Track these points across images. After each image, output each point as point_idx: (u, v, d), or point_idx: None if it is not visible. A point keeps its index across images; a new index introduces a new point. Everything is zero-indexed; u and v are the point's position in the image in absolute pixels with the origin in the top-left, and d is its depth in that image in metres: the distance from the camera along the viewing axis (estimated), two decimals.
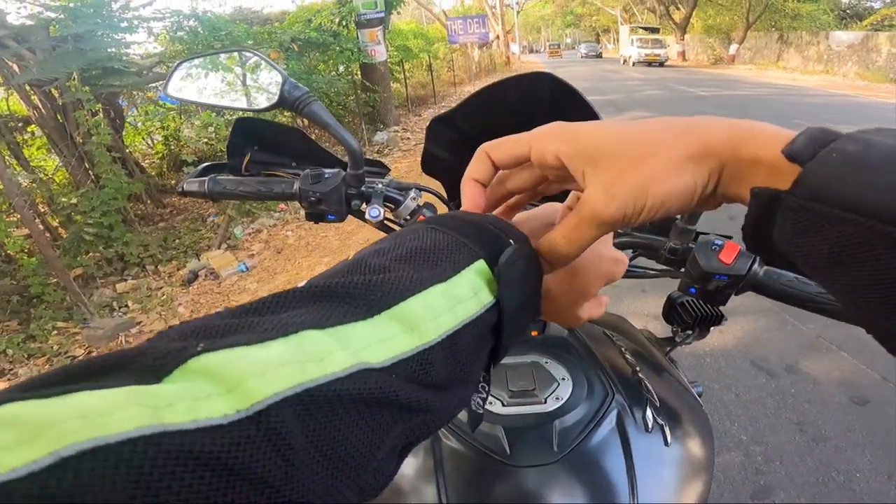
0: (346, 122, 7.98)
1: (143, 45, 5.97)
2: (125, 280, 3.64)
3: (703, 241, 0.56)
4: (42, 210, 4.02)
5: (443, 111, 0.77)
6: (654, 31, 28.53)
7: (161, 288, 3.52)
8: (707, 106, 9.51)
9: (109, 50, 4.55)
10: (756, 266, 0.53)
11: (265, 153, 0.83)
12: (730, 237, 0.65)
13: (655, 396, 0.58)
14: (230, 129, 0.82)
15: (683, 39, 28.28)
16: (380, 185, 0.71)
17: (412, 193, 0.72)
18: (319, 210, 0.68)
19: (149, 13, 5.08)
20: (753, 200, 0.26)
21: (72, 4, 4.42)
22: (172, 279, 3.65)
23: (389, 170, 0.85)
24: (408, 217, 0.72)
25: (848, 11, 23.93)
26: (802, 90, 12.56)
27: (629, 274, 0.70)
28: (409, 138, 7.94)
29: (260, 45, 5.66)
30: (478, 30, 16.38)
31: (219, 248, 3.98)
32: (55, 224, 4.06)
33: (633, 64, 23.99)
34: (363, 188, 0.70)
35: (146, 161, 5.85)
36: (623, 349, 0.66)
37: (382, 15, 7.92)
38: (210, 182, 0.75)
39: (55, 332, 3.03)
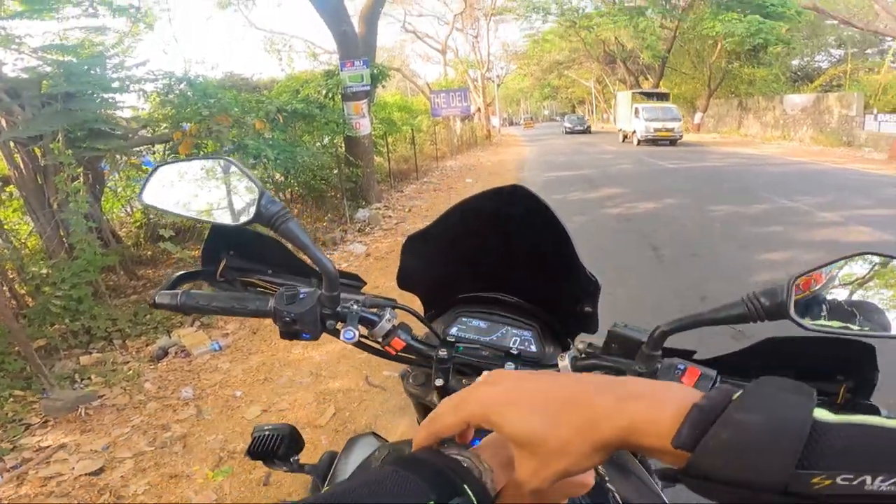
0: (329, 196, 7.93)
1: (132, 108, 5.90)
2: (90, 353, 3.50)
3: (667, 366, 0.59)
4: (11, 277, 3.88)
5: (419, 228, 0.79)
6: (663, 97, 23.08)
7: (128, 363, 3.39)
8: (678, 178, 9.94)
9: (98, 111, 4.49)
10: (716, 386, 0.55)
11: (241, 259, 0.83)
12: (693, 353, 0.67)
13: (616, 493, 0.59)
14: (206, 235, 0.81)
15: None
16: (355, 307, 0.70)
17: (387, 315, 0.72)
18: (293, 329, 0.67)
19: (141, 73, 5.05)
20: (659, 475, 0.32)
21: (67, 59, 4.40)
22: (140, 355, 3.52)
23: (365, 283, 0.85)
24: (382, 338, 0.72)
25: (799, 73, 25.38)
26: (764, 159, 13.31)
27: None
28: (390, 216, 7.93)
29: (247, 112, 5.74)
30: (460, 103, 17.14)
31: (192, 325, 3.86)
32: (23, 292, 3.91)
33: (639, 142, 19.11)
34: (338, 308, 0.69)
35: (123, 230, 5.77)
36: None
37: (368, 88, 8.16)
38: (183, 296, 0.73)
39: (11, 399, 2.90)
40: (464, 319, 0.83)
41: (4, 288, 3.71)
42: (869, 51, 24.25)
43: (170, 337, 3.60)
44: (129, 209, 6.00)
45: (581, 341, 0.70)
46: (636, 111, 19.76)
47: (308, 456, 0.80)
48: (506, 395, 0.36)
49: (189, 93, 5.23)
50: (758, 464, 0.27)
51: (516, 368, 0.70)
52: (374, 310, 0.72)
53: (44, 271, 3.56)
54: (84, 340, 3.58)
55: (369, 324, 0.71)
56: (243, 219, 0.66)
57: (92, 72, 4.45)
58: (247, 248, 0.82)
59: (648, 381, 0.35)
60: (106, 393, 3.02)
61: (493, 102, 34.25)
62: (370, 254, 5.88)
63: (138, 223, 5.70)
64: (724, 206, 7.10)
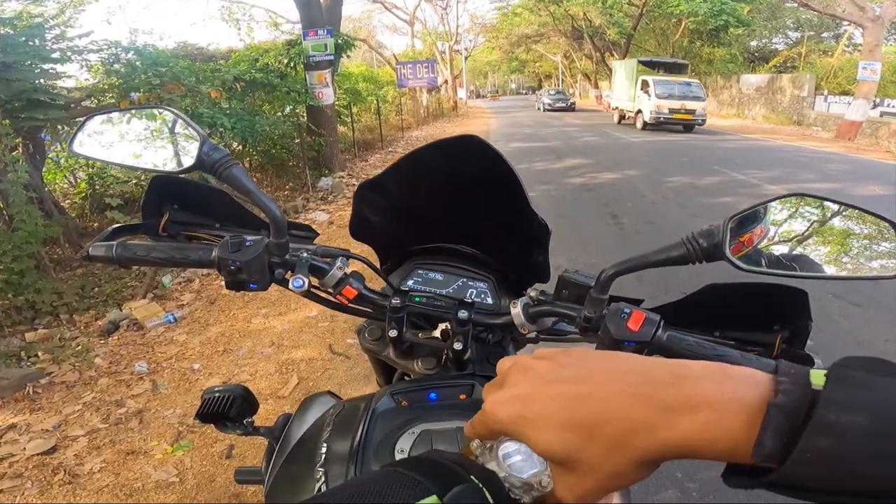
0: (290, 165, 7.79)
1: (75, 77, 5.59)
2: (35, 329, 3.35)
3: (614, 310, 0.60)
4: None
5: (373, 175, 0.77)
6: (678, 68, 18.59)
7: (76, 338, 3.26)
8: (639, 151, 10.19)
9: (37, 81, 4.30)
10: (660, 332, 0.58)
11: (186, 213, 0.80)
12: (640, 301, 0.69)
13: None
14: (146, 187, 0.78)
15: None
16: (305, 254, 0.68)
17: (338, 262, 0.70)
18: (240, 279, 0.65)
19: (85, 43, 4.86)
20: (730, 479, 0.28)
21: (3, 30, 4.18)
22: (90, 329, 3.39)
23: (317, 234, 0.83)
24: (333, 287, 0.70)
25: (756, 54, 25.83)
26: (719, 135, 13.81)
27: (550, 337, 0.73)
28: (354, 184, 7.76)
29: (202, 82, 5.50)
30: (427, 74, 16.83)
31: (144, 297, 3.73)
32: None
33: (645, 125, 14.97)
34: (287, 256, 0.67)
35: (67, 201, 5.48)
36: None
37: (332, 58, 7.96)
38: (119, 247, 0.69)
39: None
40: (420, 272, 0.83)
41: None
42: (825, 34, 24.90)
43: (121, 310, 3.48)
44: (72, 180, 5.70)
45: (534, 289, 0.70)
46: (643, 85, 15.40)
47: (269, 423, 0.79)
48: (531, 411, 0.32)
49: (137, 62, 5.02)
50: (870, 472, 0.23)
51: (470, 316, 0.70)
52: (326, 259, 0.70)
53: None
54: (29, 316, 3.43)
55: (320, 273, 0.69)
56: (184, 164, 0.63)
57: (30, 43, 4.25)
58: (191, 201, 0.79)
59: (695, 369, 0.30)
60: (54, 370, 2.92)
61: (461, 75, 33.75)
62: (333, 221, 5.83)
63: (83, 194, 5.41)
64: (680, 178, 7.35)
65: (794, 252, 0.56)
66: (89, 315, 3.54)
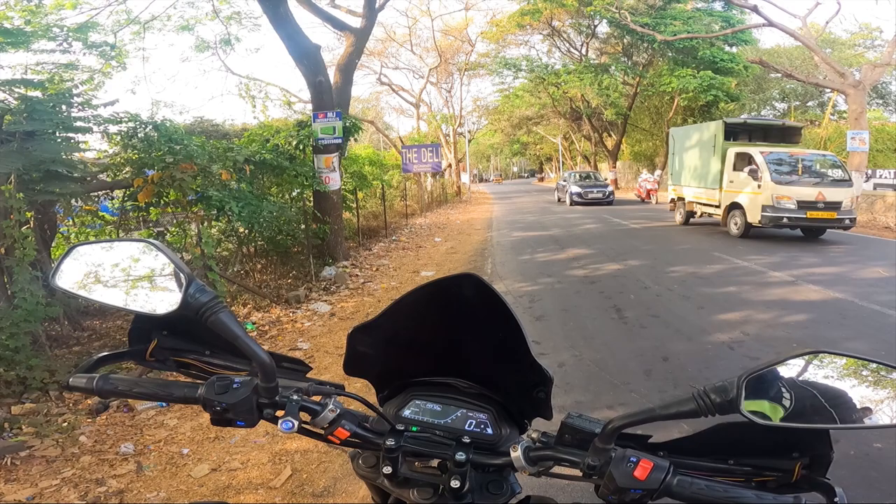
0: (295, 252, 7.74)
1: (98, 151, 5.72)
2: (23, 403, 3.27)
3: (620, 457, 0.59)
4: None
5: (365, 320, 0.78)
6: (790, 133, 12.18)
7: (63, 415, 3.19)
8: (638, 240, 10.28)
9: (58, 153, 4.28)
10: (669, 477, 0.57)
11: (174, 339, 0.78)
12: (648, 437, 0.67)
13: None
14: (133, 314, 0.76)
15: (615, 167, 30.51)
16: (295, 396, 0.67)
17: (331, 405, 0.69)
18: (226, 418, 0.65)
19: (107, 113, 4.90)
20: None
21: (33, 94, 4.25)
22: (78, 407, 3.30)
23: (310, 368, 0.82)
24: (325, 427, 0.69)
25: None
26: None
27: (551, 475, 0.70)
28: (357, 275, 7.81)
29: (215, 161, 5.62)
30: (432, 159, 17.48)
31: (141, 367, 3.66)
32: None
33: (749, 229, 9.88)
34: (277, 398, 0.67)
35: None
36: None
37: (340, 141, 8.07)
38: (100, 380, 0.68)
39: None
40: (417, 402, 0.81)
41: None
42: (810, 103, 26.04)
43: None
44: None
45: (535, 430, 0.70)
46: (741, 161, 10.06)
47: None
48: None
49: (154, 137, 5.08)
50: None
51: (468, 458, 0.68)
52: (317, 398, 0.70)
53: None
54: (18, 390, 3.35)
55: (312, 412, 0.68)
56: (167, 309, 0.63)
57: (56, 109, 4.31)
58: (180, 326, 0.78)
59: None
60: (36, 444, 2.83)
61: (465, 158, 35.12)
62: (335, 314, 5.75)
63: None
64: (682, 267, 7.36)
65: (812, 404, 0.56)
66: (79, 393, 3.44)
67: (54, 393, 3.40)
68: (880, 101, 25.57)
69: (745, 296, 5.66)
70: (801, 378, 0.57)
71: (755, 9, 15.15)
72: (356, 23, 10.02)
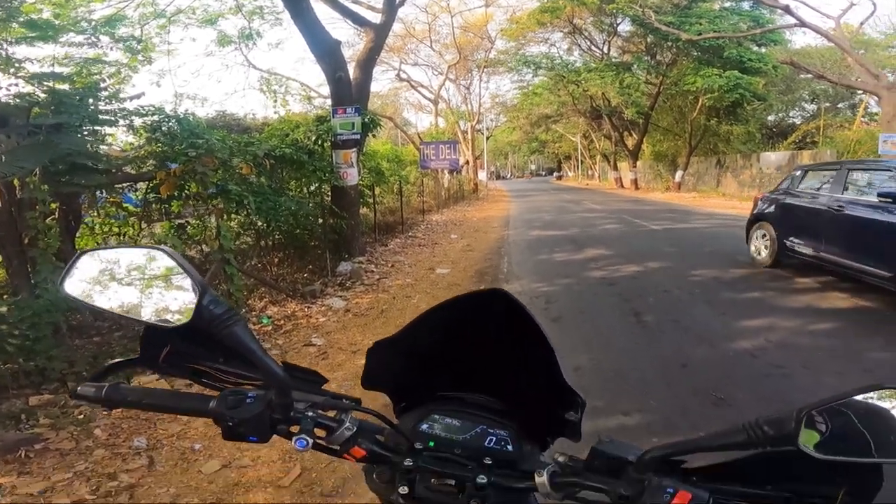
0: (312, 246, 7.78)
1: (124, 143, 5.74)
2: (41, 394, 3.32)
3: (655, 487, 0.55)
4: None
5: (387, 336, 0.74)
6: None
7: (80, 407, 3.21)
8: (659, 241, 10.07)
9: (84, 146, 4.33)
10: None
11: (188, 344, 0.75)
12: (682, 462, 0.61)
13: None
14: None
15: (636, 167, 30.10)
16: (310, 414, 0.65)
17: (347, 422, 0.67)
18: (238, 432, 0.63)
19: (132, 106, 4.97)
20: None
21: (61, 87, 4.31)
22: None
23: (325, 380, 0.78)
24: (340, 445, 0.67)
25: (774, 129, 26.02)
26: (742, 220, 13.47)
27: (574, 501, 0.66)
28: (373, 271, 7.80)
29: (235, 155, 5.66)
30: (449, 155, 17.46)
31: (153, 373, 3.68)
32: None
33: None
34: (292, 413, 0.65)
35: None
36: None
37: (358, 137, 8.11)
38: (110, 389, 0.66)
39: None
40: (436, 416, 0.78)
41: None
42: (841, 104, 25.26)
43: (129, 383, 3.42)
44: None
45: (561, 454, 0.66)
46: None
47: None
48: None
49: (177, 130, 5.13)
50: None
51: (489, 482, 0.65)
52: (333, 414, 0.68)
53: (3, 308, 3.39)
54: (36, 381, 3.41)
55: (327, 429, 0.66)
56: (179, 320, 0.61)
57: (83, 102, 4.37)
58: (196, 332, 0.75)
59: None
60: (51, 436, 2.86)
61: (482, 155, 34.97)
62: (350, 309, 5.75)
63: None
64: (704, 271, 7.16)
65: (872, 436, 0.52)
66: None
67: (72, 384, 3.45)
68: None
69: (769, 302, 5.51)
70: (863, 411, 0.53)
71: (787, 9, 14.77)
72: (376, 18, 10.04)
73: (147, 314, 0.65)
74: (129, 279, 0.67)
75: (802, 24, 14.56)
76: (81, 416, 3.07)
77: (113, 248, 0.70)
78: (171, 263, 0.64)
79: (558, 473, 0.63)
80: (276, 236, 7.21)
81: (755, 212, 7.41)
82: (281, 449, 2.76)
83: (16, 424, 2.95)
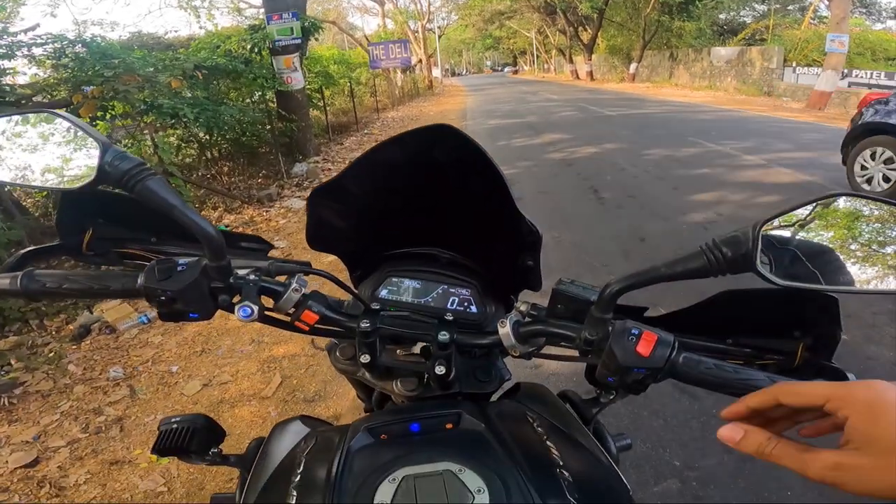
0: (263, 152, 7.68)
1: (25, 73, 5.40)
2: (6, 336, 3.22)
3: (620, 330, 0.52)
4: None
5: (328, 178, 0.67)
6: None
7: (48, 344, 3.15)
8: (615, 126, 10.14)
9: None
10: (675, 354, 0.51)
11: (113, 227, 0.69)
12: (645, 309, 0.62)
13: (571, 478, 0.53)
14: (59, 201, 0.66)
15: (591, 60, 30.14)
16: (252, 276, 0.59)
17: (294, 283, 0.61)
18: (175, 309, 0.56)
19: (29, 38, 4.70)
20: None
21: None
22: (61, 334, 3.27)
23: (272, 247, 0.74)
24: (291, 310, 0.61)
25: (725, 27, 25.81)
26: (694, 107, 13.81)
27: (544, 355, 0.65)
28: (330, 168, 7.77)
29: (160, 71, 5.29)
30: (400, 54, 16.52)
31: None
32: None
33: None
34: (232, 280, 0.58)
35: (28, 200, 5.25)
36: (541, 431, 0.61)
37: (299, 41, 7.77)
38: (24, 278, 0.58)
39: None
40: (394, 279, 0.74)
41: None
42: (790, 7, 25.04)
43: (91, 313, 3.35)
44: None
45: (524, 302, 0.63)
46: None
47: (260, 429, 0.72)
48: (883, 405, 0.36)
49: (86, 56, 4.83)
50: None
51: (452, 338, 0.62)
52: (280, 278, 0.61)
53: None
54: None
55: (273, 295, 0.60)
56: (82, 182, 0.53)
57: None
58: (117, 211, 0.69)
59: None
60: (28, 379, 2.81)
61: (435, 54, 33.17)
62: None
63: (46, 192, 5.21)
64: (658, 150, 7.34)
65: (833, 261, 0.48)
66: (59, 319, 3.41)
67: (34, 322, 3.36)
68: (864, 10, 24.53)
69: (718, 178, 5.72)
70: (817, 228, 0.49)
71: None
72: None
73: (49, 181, 0.58)
74: (25, 147, 0.60)
75: None
76: (52, 354, 3.01)
77: (5, 115, 0.60)
78: (67, 125, 0.57)
79: (521, 323, 0.60)
80: (223, 146, 7.05)
81: (864, 120, 5.05)
82: (258, 360, 2.82)
83: None
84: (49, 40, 4.77)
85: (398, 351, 0.67)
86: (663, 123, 10.34)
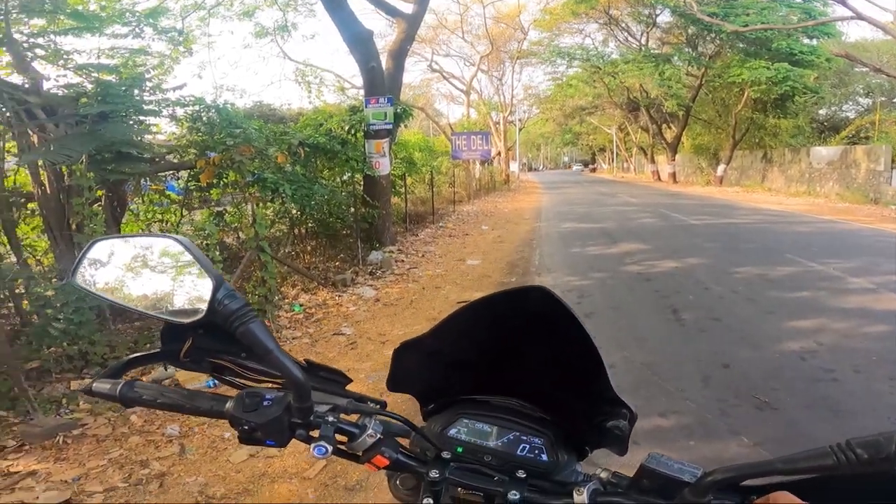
0: (344, 235, 7.89)
1: (162, 131, 5.98)
2: (82, 378, 3.43)
3: None
4: (20, 293, 3.81)
5: (413, 337, 0.69)
6: None
7: None
8: (699, 237, 9.69)
9: (129, 135, 4.47)
10: None
11: (210, 338, 0.70)
12: (755, 489, 0.53)
13: None
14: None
15: (674, 160, 29.23)
16: (331, 419, 0.61)
17: (370, 429, 0.63)
18: (255, 437, 0.60)
19: (174, 97, 5.13)
20: None
21: (108, 78, 4.46)
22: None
23: (350, 380, 0.74)
24: (363, 453, 0.63)
25: (825, 124, 24.59)
26: (790, 216, 12.94)
27: None
28: (403, 260, 7.82)
29: (271, 144, 5.79)
30: (481, 146, 17.35)
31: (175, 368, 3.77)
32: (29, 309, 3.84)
33: None
34: (311, 418, 0.61)
35: None
36: None
37: (391, 127, 8.20)
38: (125, 387, 0.64)
39: None
40: (465, 420, 0.73)
41: (10, 305, 3.68)
42: None
43: (165, 370, 3.50)
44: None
45: (604, 469, 0.60)
46: None
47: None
48: None
49: (216, 120, 5.27)
50: None
51: (522, 499, 0.60)
52: (356, 418, 0.64)
53: (48, 293, 3.51)
54: (79, 365, 3.51)
55: (348, 435, 0.63)
56: (192, 316, 0.57)
57: (129, 92, 4.51)
58: (216, 326, 0.72)
59: None
60: (90, 422, 2.94)
61: (514, 147, 34.56)
62: (379, 299, 5.77)
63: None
64: (748, 268, 6.84)
65: None
66: (136, 371, 3.58)
67: None
68: None
69: (819, 302, 5.22)
70: None
71: (842, 1, 13.93)
72: (408, 9, 10.01)
73: (160, 309, 0.62)
74: (143, 270, 0.63)
75: (859, 16, 13.70)
76: None
77: (126, 237, 0.66)
78: (186, 254, 0.61)
79: (600, 492, 0.58)
80: (310, 224, 7.34)
81: None
82: None
83: (56, 409, 3.03)
84: (191, 102, 5.19)
85: (460, 490, 0.66)
86: (755, 236, 9.74)
